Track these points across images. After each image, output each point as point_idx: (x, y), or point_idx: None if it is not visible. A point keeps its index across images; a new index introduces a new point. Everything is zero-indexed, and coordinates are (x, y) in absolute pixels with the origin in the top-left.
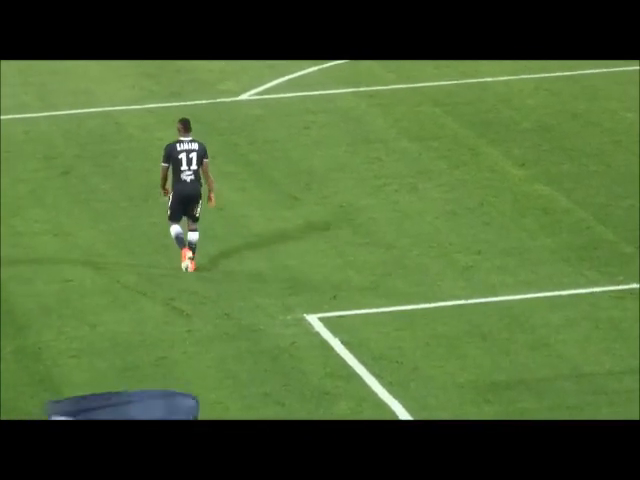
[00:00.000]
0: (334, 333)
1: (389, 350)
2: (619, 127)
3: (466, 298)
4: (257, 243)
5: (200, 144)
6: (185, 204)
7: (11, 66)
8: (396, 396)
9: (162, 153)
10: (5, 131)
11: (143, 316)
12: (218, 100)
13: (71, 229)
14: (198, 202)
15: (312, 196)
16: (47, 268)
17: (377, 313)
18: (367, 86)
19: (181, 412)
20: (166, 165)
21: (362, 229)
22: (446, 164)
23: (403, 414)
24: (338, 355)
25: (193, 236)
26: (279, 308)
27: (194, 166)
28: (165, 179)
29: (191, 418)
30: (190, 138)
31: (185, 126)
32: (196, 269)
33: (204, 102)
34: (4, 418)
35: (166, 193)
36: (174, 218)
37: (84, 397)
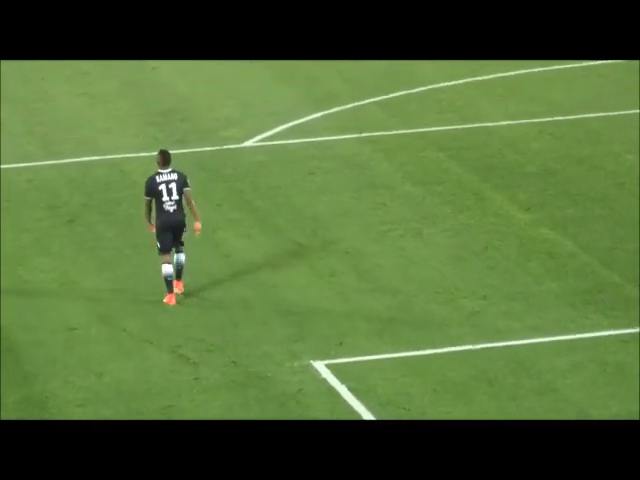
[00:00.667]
0: (341, 380)
1: (396, 396)
2: (621, 169)
3: (473, 343)
4: (263, 290)
5: (180, 174)
6: (171, 233)
7: (15, 116)
8: None
9: (144, 187)
10: (8, 180)
11: (149, 364)
12: (223, 147)
13: (76, 277)
14: (182, 230)
15: (317, 242)
16: (52, 316)
17: (384, 359)
18: (370, 131)
19: None
20: (148, 198)
21: (368, 275)
22: (450, 209)
23: None
24: (345, 402)
25: (180, 257)
26: (286, 355)
27: (175, 196)
28: (149, 212)
29: None
30: (169, 169)
31: (164, 158)
32: (183, 293)
33: (208, 149)
34: None
35: (150, 228)
36: (164, 250)
37: None
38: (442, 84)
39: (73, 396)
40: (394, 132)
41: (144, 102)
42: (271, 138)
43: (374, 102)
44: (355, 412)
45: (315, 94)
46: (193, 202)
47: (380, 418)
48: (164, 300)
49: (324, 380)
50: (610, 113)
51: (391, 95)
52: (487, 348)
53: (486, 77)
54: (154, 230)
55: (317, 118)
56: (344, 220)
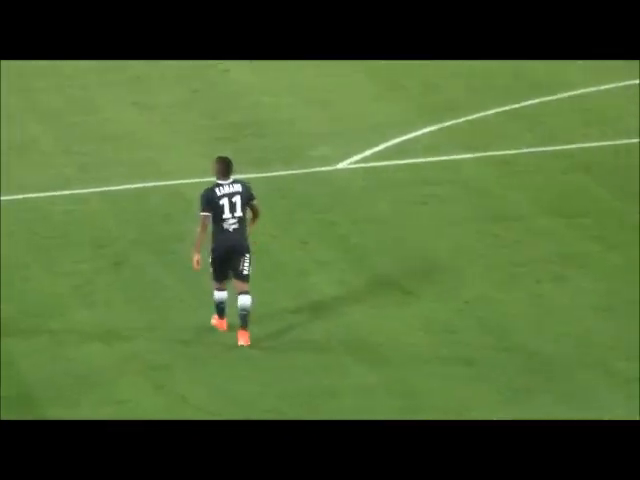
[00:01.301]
0: None
1: None
2: None
3: (628, 415)
4: (363, 350)
5: (243, 184)
6: (229, 258)
7: (48, 132)
8: None
9: (199, 202)
10: (41, 211)
11: None
12: (311, 170)
13: (126, 334)
14: (244, 255)
15: (430, 290)
16: (96, 387)
17: None
18: (497, 150)
19: None
20: (205, 214)
21: (495, 330)
22: (599, 246)
23: None
24: None
25: (244, 300)
26: None
27: (238, 212)
28: (204, 235)
29: None
30: (231, 180)
31: (225, 166)
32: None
33: (293, 172)
34: None
35: (197, 260)
36: (219, 278)
37: None
38: (589, 89)
39: None
40: (527, 150)
41: (212, 113)
42: (371, 158)
43: (502, 112)
44: None
45: (428, 104)
46: (259, 218)
47: None
48: (212, 322)
49: None
50: None
51: (523, 104)
52: None
53: None
54: (198, 266)
55: (430, 133)
56: (464, 261)
